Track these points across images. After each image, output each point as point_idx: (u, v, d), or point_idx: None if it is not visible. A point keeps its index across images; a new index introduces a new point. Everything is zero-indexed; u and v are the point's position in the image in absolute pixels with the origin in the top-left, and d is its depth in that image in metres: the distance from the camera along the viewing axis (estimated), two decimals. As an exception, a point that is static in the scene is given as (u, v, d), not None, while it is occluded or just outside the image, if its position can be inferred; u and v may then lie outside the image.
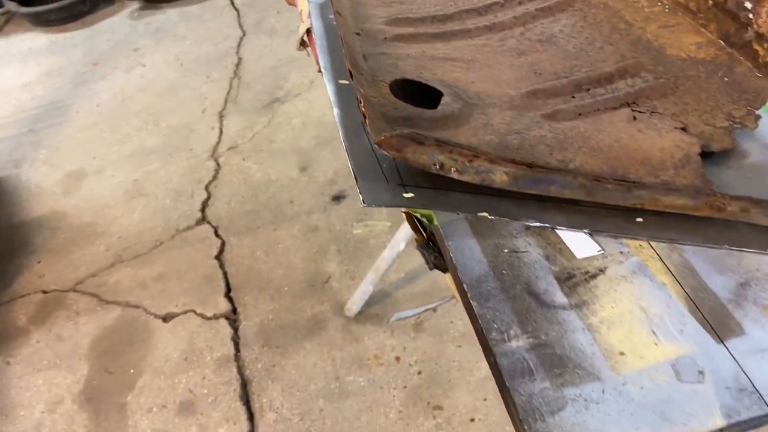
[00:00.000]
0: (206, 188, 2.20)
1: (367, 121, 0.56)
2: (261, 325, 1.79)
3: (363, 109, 0.57)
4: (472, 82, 0.71)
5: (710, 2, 0.67)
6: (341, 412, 1.57)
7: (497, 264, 0.58)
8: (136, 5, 3.24)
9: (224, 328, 1.80)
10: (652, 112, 0.65)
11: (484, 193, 0.60)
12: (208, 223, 2.09)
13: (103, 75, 2.82)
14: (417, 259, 1.81)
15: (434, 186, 0.60)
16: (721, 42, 0.67)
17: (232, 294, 1.88)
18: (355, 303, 1.77)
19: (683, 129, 0.63)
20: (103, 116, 2.59)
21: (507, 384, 0.49)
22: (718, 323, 0.51)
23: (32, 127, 2.60)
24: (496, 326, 0.53)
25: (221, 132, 2.42)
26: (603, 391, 0.48)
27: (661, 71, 0.69)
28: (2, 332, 1.85)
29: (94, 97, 2.70)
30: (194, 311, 1.84)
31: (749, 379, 0.47)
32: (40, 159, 2.43)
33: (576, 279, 0.56)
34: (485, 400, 1.56)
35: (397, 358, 1.68)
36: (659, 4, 0.74)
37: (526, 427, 0.46)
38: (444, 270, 0.61)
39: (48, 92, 2.79)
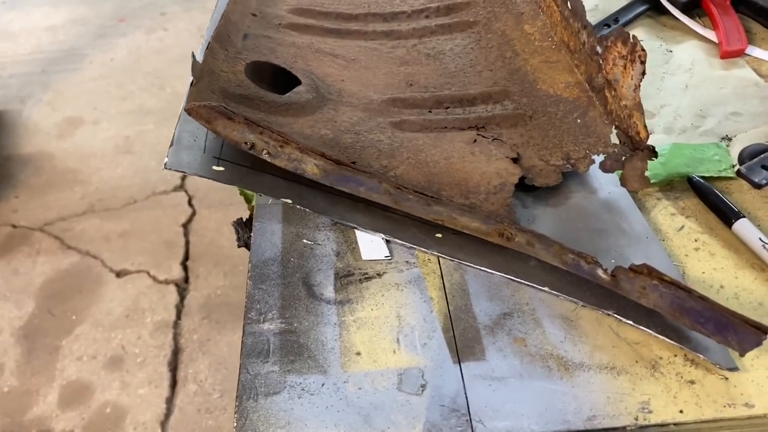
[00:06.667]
0: (191, 158, 2.24)
1: (192, 88, 0.58)
2: (207, 298, 1.81)
3: (194, 76, 0.59)
4: (342, 80, 0.72)
5: (581, 43, 0.67)
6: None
7: (289, 251, 0.59)
8: (176, -29, 3.32)
9: (171, 293, 1.83)
10: (494, 138, 0.65)
11: (300, 182, 0.61)
12: (185, 191, 2.12)
13: (124, 32, 2.90)
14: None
15: (252, 166, 0.62)
16: (586, 85, 0.67)
17: (188, 263, 1.91)
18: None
19: (515, 159, 0.63)
20: (114, 71, 2.66)
21: (241, 361, 0.50)
22: (464, 345, 0.51)
23: (45, 69, 2.69)
24: (258, 307, 0.54)
25: (221, 107, 2.46)
26: (323, 385, 0.48)
27: (524, 103, 0.69)
28: (-37, 253, 1.92)
29: (110, 52, 2.78)
30: (147, 272, 1.88)
31: (467, 401, 0.48)
32: (45, 100, 2.51)
33: (353, 278, 0.56)
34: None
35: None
36: (549, 39, 0.74)
37: (237, 404, 0.47)
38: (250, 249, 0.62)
39: (69, 38, 2.88)
